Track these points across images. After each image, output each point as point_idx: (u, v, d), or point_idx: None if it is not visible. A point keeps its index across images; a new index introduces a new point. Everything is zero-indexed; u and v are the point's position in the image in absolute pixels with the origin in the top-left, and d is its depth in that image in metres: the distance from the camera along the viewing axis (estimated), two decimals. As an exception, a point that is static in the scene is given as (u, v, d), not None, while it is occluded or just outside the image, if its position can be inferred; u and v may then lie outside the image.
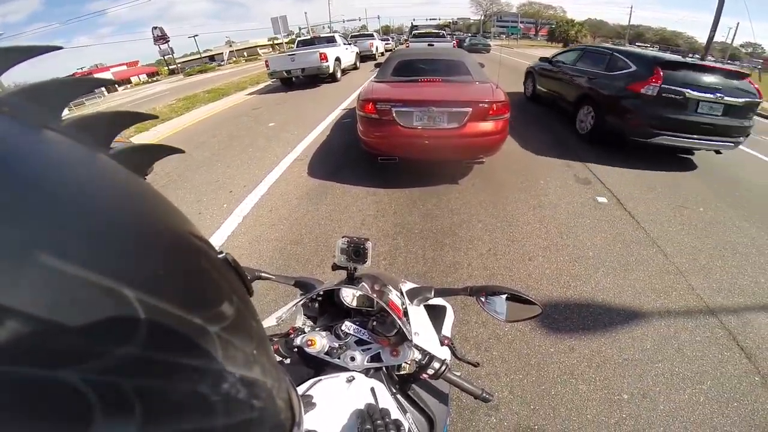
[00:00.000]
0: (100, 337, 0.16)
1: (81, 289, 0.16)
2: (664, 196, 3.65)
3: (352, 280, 0.85)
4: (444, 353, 0.84)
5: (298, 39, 15.06)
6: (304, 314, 0.87)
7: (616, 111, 4.49)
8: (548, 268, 2.53)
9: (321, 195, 3.51)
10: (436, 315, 0.98)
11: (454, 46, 14.27)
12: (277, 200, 3.47)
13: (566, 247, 2.75)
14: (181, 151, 0.32)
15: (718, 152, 4.51)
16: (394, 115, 3.31)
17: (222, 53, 61.61)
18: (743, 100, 4.14)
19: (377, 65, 5.24)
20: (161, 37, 43.64)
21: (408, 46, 14.94)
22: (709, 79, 4.16)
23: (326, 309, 0.91)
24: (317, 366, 0.77)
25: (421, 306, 0.90)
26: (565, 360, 1.89)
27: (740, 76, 4.31)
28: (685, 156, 4.81)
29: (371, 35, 21.64)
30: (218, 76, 21.20)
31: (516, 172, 3.95)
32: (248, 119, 6.98)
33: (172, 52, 45.83)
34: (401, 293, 0.86)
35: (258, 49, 66.16)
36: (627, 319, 2.15)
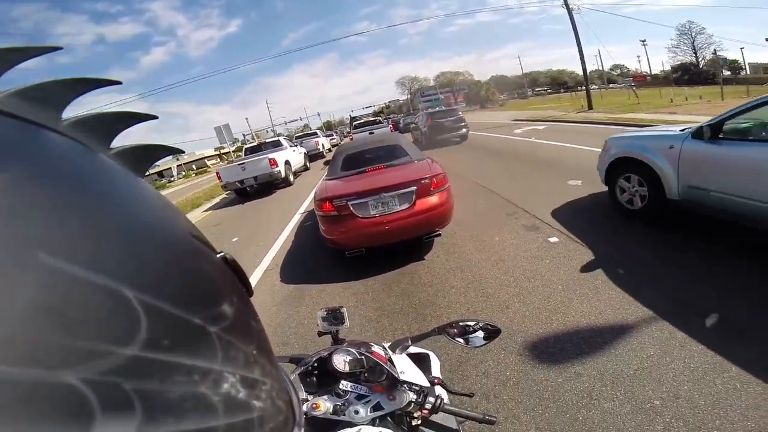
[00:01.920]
0: (100, 338, 0.16)
1: (81, 289, 0.16)
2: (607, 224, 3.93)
3: (337, 341, 0.98)
4: (438, 391, 0.93)
5: (245, 146, 14.86)
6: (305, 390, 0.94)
7: (428, 133, 14.04)
8: (526, 310, 2.67)
9: (298, 298, 3.57)
10: (422, 363, 1.10)
11: (391, 130, 16.47)
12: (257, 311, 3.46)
13: (536, 288, 2.93)
14: (181, 152, 0.32)
15: (464, 138, 13.76)
16: (351, 208, 3.56)
17: (170, 168, 57.24)
18: (456, 117, 13.89)
19: (326, 162, 5.49)
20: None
21: (352, 139, 16.23)
22: (445, 114, 14.48)
23: (322, 380, 0.99)
24: (326, 428, 0.82)
25: (404, 354, 1.02)
26: (577, 386, 1.92)
27: (454, 111, 14.96)
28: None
29: (315, 133, 22.00)
30: (170, 194, 20.45)
31: (473, 236, 4.17)
32: (210, 237, 6.84)
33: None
34: (383, 348, 0.97)
35: (206, 160, 64.57)
36: (618, 334, 2.22)
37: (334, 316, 1.02)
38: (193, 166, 61.17)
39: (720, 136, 3.04)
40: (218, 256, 0.29)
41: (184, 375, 0.19)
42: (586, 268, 3.08)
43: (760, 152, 2.69)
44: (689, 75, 58.36)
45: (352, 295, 3.41)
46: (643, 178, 3.69)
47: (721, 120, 3.06)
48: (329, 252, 4.10)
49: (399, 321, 2.85)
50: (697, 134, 3.17)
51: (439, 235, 3.94)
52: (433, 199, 3.65)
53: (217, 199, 12.21)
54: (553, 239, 3.77)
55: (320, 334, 1.03)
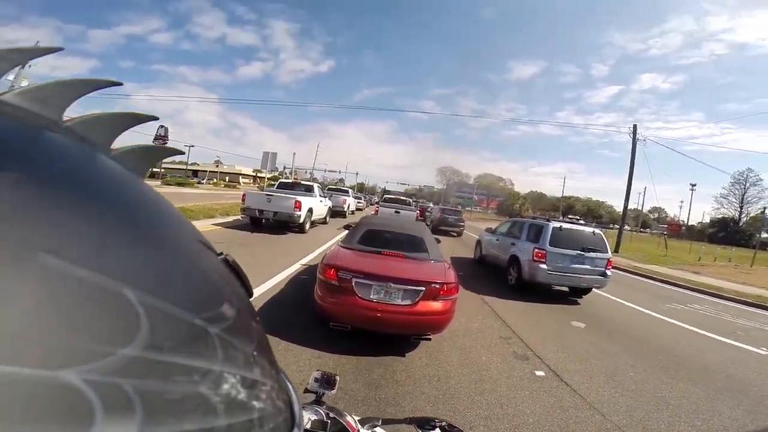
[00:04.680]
0: (101, 338, 0.16)
1: (82, 290, 0.16)
2: (597, 366, 3.97)
3: (319, 403, 0.95)
4: None
5: (280, 180, 15.21)
6: None
7: (436, 221, 18.34)
8: (490, 435, 2.56)
9: (261, 349, 3.36)
10: None
11: (417, 216, 16.94)
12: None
13: (507, 416, 2.82)
14: (182, 153, 0.32)
15: (458, 234, 18.42)
16: (353, 285, 3.42)
17: (206, 171, 60.75)
18: (458, 218, 19.24)
19: (346, 227, 5.43)
20: (161, 137, 40.50)
21: (377, 211, 16.63)
22: (452, 213, 20.07)
23: None
24: None
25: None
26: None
27: (459, 212, 20.55)
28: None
29: (346, 191, 22.48)
30: (192, 194, 20.52)
31: (460, 348, 3.98)
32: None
33: (163, 156, 46.21)
34: (354, 420, 0.94)
35: (241, 177, 66.74)
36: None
37: (327, 380, 1.05)
38: (226, 178, 62.86)
39: (492, 231, 9.56)
40: (219, 257, 0.29)
41: (185, 375, 0.19)
42: (563, 408, 3.12)
43: (494, 237, 9.11)
44: (726, 232, 56.27)
45: (317, 366, 3.15)
46: (479, 248, 9.99)
47: (496, 227, 9.63)
48: (312, 315, 3.90)
49: (357, 411, 2.55)
50: (488, 231, 9.75)
51: (430, 339, 3.73)
52: (437, 305, 3.50)
53: (230, 218, 11.91)
54: (540, 373, 3.70)
55: (306, 391, 1.04)
